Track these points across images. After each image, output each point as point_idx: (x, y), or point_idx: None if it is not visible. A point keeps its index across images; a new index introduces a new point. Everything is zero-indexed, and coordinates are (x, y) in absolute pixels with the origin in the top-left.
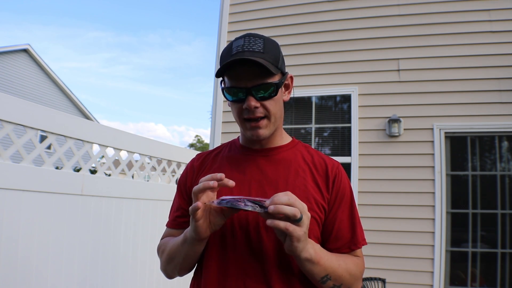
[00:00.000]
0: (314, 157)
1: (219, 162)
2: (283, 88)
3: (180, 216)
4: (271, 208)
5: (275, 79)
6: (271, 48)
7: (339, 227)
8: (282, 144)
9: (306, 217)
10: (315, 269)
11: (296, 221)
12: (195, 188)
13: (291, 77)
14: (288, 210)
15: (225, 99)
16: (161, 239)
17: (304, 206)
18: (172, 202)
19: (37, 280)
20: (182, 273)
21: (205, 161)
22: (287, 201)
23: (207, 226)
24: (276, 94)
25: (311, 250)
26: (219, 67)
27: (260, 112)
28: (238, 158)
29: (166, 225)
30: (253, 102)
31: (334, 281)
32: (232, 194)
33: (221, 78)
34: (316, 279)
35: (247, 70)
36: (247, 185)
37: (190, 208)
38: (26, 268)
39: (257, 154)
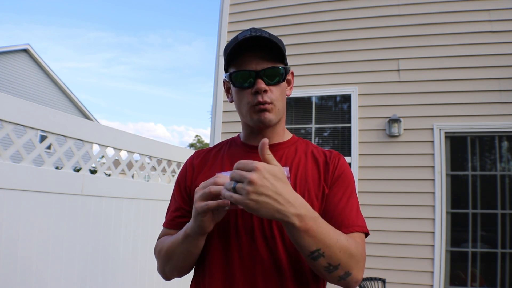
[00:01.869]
0: (314, 151)
1: (220, 159)
2: (286, 81)
3: (179, 216)
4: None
5: (282, 65)
6: (277, 39)
7: (335, 208)
8: (284, 140)
9: (253, 179)
10: (302, 241)
11: (233, 190)
12: (204, 193)
13: (292, 73)
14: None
15: (228, 98)
16: (158, 239)
17: (244, 172)
18: (169, 201)
19: (37, 279)
20: (181, 273)
21: (206, 159)
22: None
23: (211, 220)
24: (283, 80)
25: (294, 216)
26: (224, 60)
27: (268, 97)
28: (239, 155)
29: (163, 225)
30: (263, 85)
31: (329, 259)
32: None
33: (223, 73)
34: (305, 253)
35: (255, 55)
36: None
37: (199, 208)
38: (26, 268)
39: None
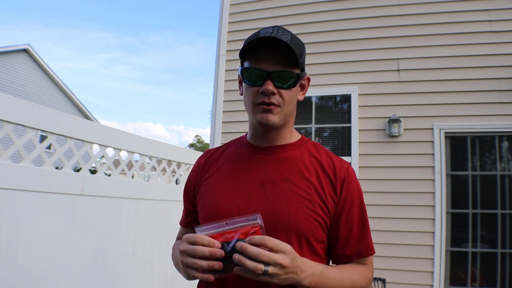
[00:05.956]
0: (323, 157)
1: (223, 160)
2: (299, 86)
3: (186, 216)
4: (235, 257)
5: (296, 71)
6: (298, 42)
7: (349, 234)
8: (290, 142)
9: (286, 264)
10: None
11: (263, 274)
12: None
13: (308, 78)
14: (248, 264)
15: (239, 90)
16: (176, 238)
17: (277, 257)
18: None
19: (37, 280)
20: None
21: (211, 158)
22: (252, 253)
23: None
24: (294, 86)
25: (305, 280)
26: (240, 53)
27: (275, 99)
28: (243, 155)
29: (179, 223)
30: (271, 87)
31: None
32: (231, 201)
33: (238, 67)
34: None
35: (271, 55)
36: (248, 184)
37: (186, 275)
38: (26, 269)
39: (262, 152)
